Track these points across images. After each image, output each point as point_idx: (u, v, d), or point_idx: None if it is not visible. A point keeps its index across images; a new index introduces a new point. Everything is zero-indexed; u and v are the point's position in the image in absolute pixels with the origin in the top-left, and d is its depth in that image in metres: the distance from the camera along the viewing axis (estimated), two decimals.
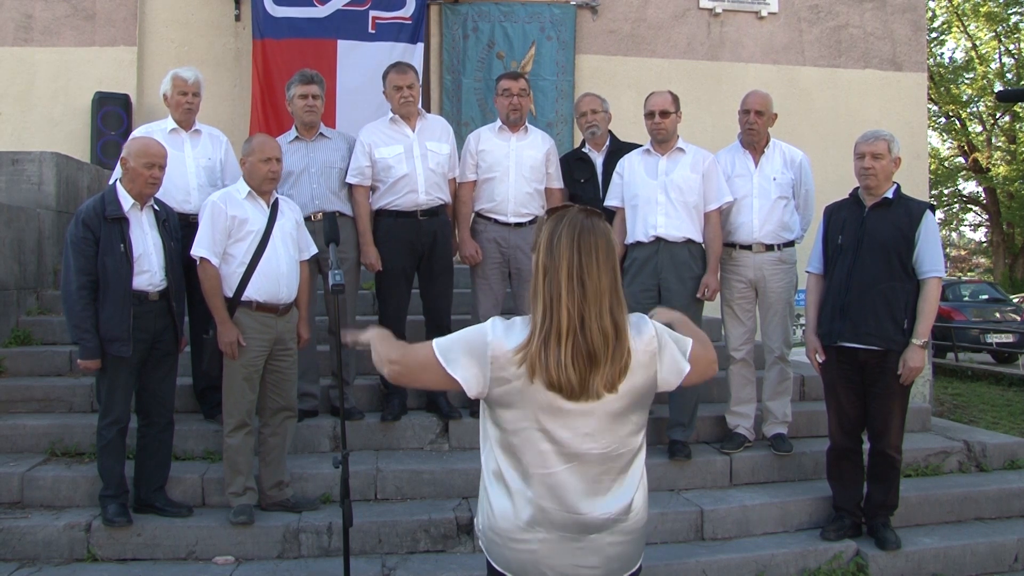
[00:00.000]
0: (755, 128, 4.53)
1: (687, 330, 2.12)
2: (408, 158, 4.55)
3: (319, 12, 7.38)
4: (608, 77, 7.86)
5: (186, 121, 4.52)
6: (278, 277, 3.88)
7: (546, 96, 7.81)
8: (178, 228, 4.03)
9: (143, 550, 3.74)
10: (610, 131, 5.00)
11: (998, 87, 21.67)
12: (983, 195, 25.33)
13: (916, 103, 8.42)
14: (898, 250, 3.85)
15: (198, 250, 3.83)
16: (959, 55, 24.92)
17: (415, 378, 2.00)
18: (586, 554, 1.91)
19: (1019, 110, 21.60)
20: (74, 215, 3.75)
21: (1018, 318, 14.21)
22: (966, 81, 23.12)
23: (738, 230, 4.55)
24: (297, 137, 4.62)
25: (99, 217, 3.65)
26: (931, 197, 14.40)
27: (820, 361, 4.08)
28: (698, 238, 4.47)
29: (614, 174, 4.65)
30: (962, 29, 23.03)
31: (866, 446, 4.07)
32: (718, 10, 8.08)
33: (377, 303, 4.79)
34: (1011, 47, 23.25)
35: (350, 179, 4.59)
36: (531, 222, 4.66)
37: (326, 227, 3.51)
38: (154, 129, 4.48)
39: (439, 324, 4.54)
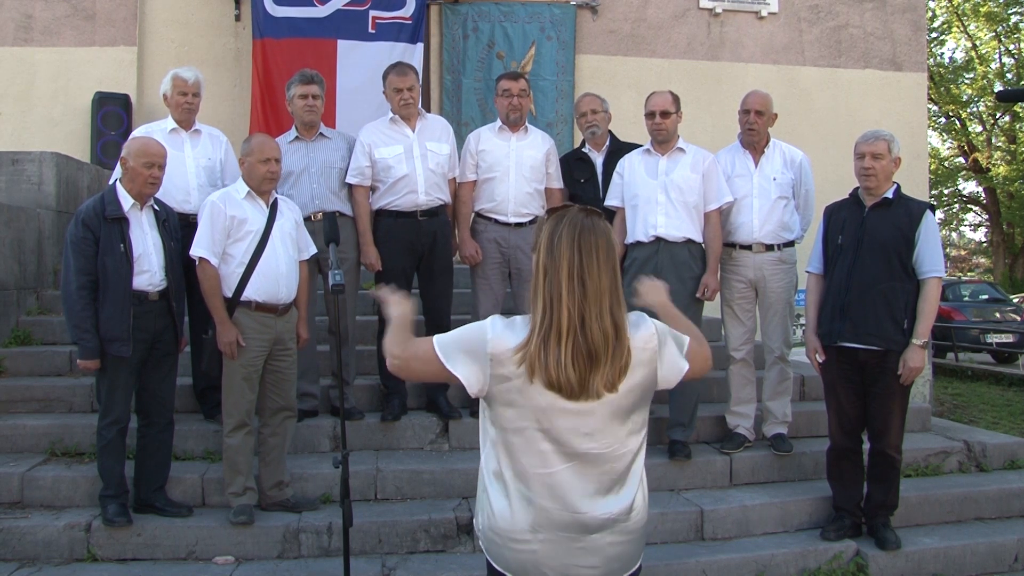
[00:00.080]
0: (755, 128, 4.53)
1: (672, 320, 2.12)
2: (408, 158, 4.55)
3: (319, 12, 7.38)
4: (608, 77, 7.86)
5: (186, 121, 4.52)
6: (277, 277, 3.88)
7: (546, 96, 7.81)
8: (178, 228, 4.03)
9: (143, 550, 3.74)
10: (610, 131, 5.00)
11: (998, 87, 21.67)
12: (983, 195, 25.33)
13: (916, 103, 8.42)
14: (898, 250, 3.85)
15: (197, 250, 3.82)
16: (959, 55, 24.98)
17: (415, 373, 2.01)
18: (586, 554, 1.91)
19: (1019, 110, 21.60)
20: (74, 215, 3.75)
21: (1018, 318, 14.21)
22: (966, 81, 23.12)
23: (738, 230, 4.55)
24: (297, 137, 4.62)
25: (99, 217, 3.65)
26: (931, 197, 14.40)
27: (820, 361, 4.08)
28: (698, 238, 4.47)
29: (614, 174, 4.65)
30: (962, 29, 23.04)
31: (866, 446, 4.07)
32: (718, 10, 8.09)
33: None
34: (1011, 47, 23.25)
35: (350, 179, 4.59)
36: (531, 222, 4.66)
37: (326, 227, 3.51)
38: (154, 129, 4.48)
39: (439, 324, 4.54)
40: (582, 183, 4.89)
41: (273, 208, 3.96)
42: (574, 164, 4.98)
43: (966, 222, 30.96)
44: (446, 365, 1.90)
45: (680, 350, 2.01)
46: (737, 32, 8.13)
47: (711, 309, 4.75)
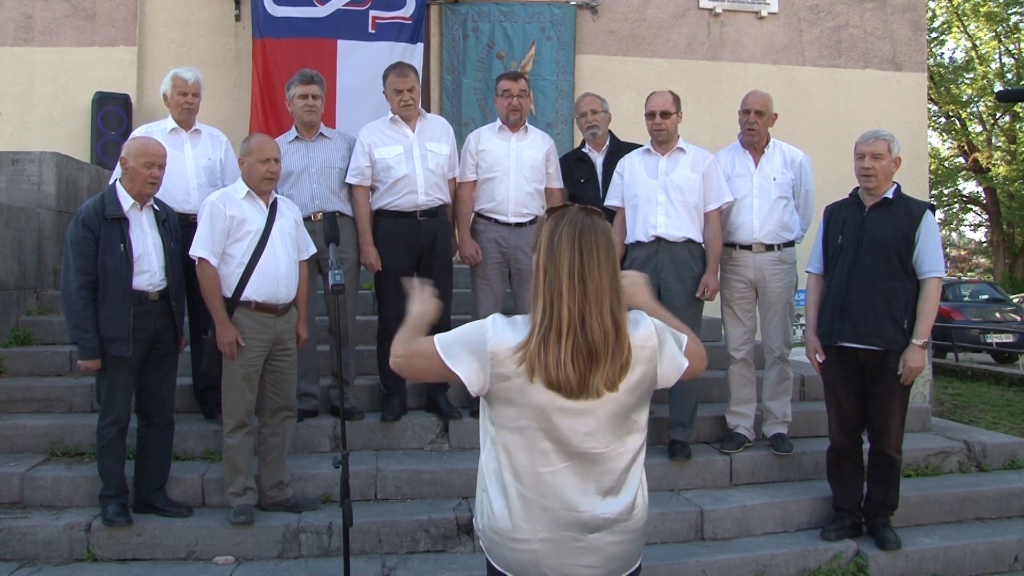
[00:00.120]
0: (755, 128, 4.53)
1: (661, 320, 2.11)
2: (408, 159, 4.55)
3: (319, 12, 7.38)
4: (608, 77, 7.86)
5: (186, 121, 4.52)
6: (277, 277, 3.88)
7: (546, 96, 7.81)
8: (178, 228, 4.03)
9: (143, 550, 3.73)
10: (610, 131, 5.00)
11: (998, 87, 21.67)
12: (983, 195, 25.33)
13: (916, 103, 8.42)
14: (898, 250, 3.85)
15: (197, 250, 3.82)
16: (959, 55, 24.98)
17: (417, 372, 2.04)
18: (586, 553, 1.91)
19: (1019, 110, 21.60)
20: (74, 215, 3.75)
21: (1018, 318, 14.21)
22: (966, 81, 23.12)
23: (738, 230, 4.55)
24: (297, 137, 4.62)
25: (99, 217, 3.65)
26: (931, 197, 14.40)
27: (820, 361, 4.08)
28: (698, 238, 4.47)
29: (614, 174, 4.65)
30: (962, 29, 23.04)
31: (866, 446, 4.07)
32: (718, 10, 8.09)
33: (377, 303, 4.79)
34: (1011, 47, 23.25)
35: (350, 179, 4.58)
36: (531, 222, 4.66)
37: (326, 227, 3.51)
38: (154, 129, 4.48)
39: (438, 324, 4.52)
40: (582, 183, 4.89)
41: (273, 208, 3.96)
42: (574, 164, 4.98)
43: (966, 222, 31.01)
44: (447, 363, 1.91)
45: (680, 347, 2.01)
46: (737, 32, 8.14)
47: (711, 309, 4.75)
